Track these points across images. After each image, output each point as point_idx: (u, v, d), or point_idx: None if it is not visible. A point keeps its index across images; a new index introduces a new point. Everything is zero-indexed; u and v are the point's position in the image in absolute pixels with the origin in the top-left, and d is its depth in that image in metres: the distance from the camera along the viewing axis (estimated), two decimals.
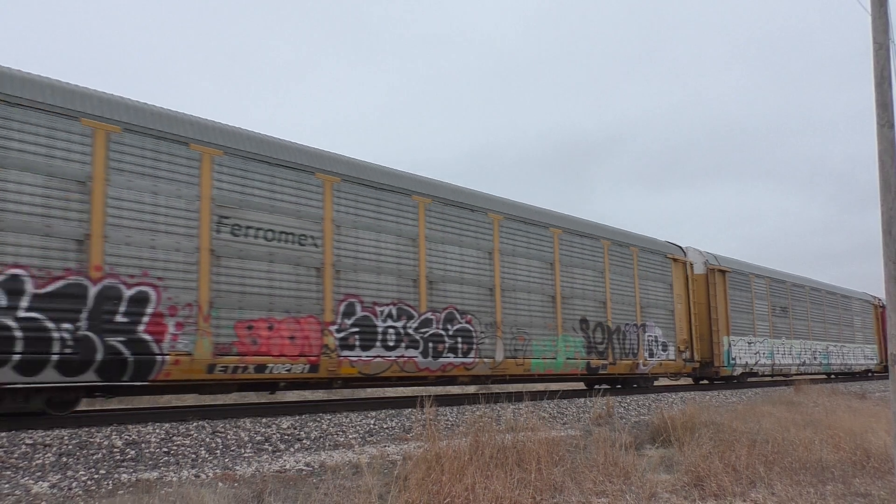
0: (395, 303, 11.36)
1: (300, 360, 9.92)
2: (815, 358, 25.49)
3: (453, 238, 12.59)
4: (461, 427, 7.84)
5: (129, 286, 8.41)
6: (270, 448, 7.71)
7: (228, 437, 7.82)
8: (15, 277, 7.57)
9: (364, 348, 10.80)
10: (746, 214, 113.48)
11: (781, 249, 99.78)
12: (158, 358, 8.53)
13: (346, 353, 10.52)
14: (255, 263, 9.63)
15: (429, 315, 11.88)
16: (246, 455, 7.32)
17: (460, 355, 12.27)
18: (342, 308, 10.57)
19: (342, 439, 8.41)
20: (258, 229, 9.74)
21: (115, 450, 6.83)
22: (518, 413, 8.67)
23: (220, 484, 5.81)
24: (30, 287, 7.65)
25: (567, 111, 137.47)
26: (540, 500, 5.32)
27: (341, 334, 10.50)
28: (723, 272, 20.61)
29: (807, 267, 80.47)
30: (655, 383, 18.45)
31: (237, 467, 6.67)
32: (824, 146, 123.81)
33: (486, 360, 12.70)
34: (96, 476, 5.96)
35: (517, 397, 10.71)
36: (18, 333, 7.49)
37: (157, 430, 7.63)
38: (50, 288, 7.79)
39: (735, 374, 20.33)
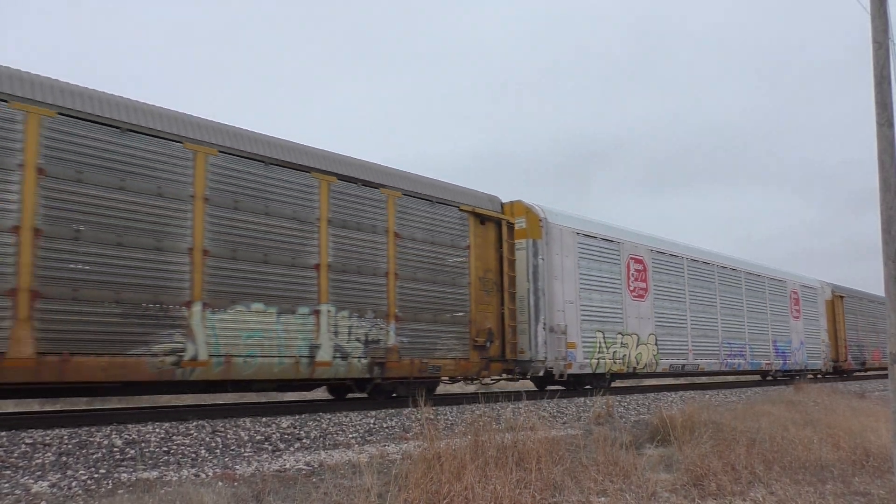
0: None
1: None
2: None
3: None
4: (461, 426, 7.84)
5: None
6: (270, 447, 7.72)
7: (228, 436, 7.83)
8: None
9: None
10: (744, 216, 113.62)
11: (778, 250, 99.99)
12: None
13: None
14: None
15: None
16: (246, 454, 7.33)
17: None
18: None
19: (342, 438, 8.43)
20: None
21: (115, 449, 6.83)
22: (518, 412, 8.67)
23: (219, 483, 5.81)
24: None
25: (571, 118, 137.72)
26: (540, 499, 5.32)
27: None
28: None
29: (805, 267, 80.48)
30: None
31: (237, 467, 6.67)
32: (819, 150, 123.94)
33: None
34: (96, 475, 5.96)
35: (517, 397, 10.72)
36: None
37: (157, 430, 7.62)
38: None
39: None
